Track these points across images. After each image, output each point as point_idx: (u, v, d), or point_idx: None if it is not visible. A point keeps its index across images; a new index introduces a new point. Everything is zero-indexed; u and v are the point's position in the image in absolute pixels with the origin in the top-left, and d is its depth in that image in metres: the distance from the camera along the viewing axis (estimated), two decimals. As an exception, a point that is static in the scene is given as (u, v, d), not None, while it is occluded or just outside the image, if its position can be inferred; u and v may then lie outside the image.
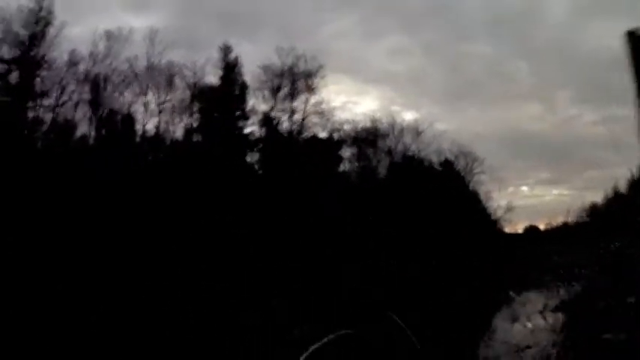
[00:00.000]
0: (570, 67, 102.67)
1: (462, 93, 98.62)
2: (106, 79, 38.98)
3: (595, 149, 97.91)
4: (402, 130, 55.15)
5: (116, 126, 40.39)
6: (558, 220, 73.11)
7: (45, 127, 35.77)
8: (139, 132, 41.28)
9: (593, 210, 62.93)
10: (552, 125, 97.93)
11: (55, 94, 35.87)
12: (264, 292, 22.38)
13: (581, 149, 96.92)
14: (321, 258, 32.16)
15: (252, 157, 46.30)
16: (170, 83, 42.05)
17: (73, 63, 37.09)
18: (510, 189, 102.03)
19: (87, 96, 38.01)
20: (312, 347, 6.42)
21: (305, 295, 21.80)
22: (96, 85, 38.45)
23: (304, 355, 6.32)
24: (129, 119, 40.91)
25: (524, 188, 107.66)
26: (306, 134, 48.13)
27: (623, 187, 57.66)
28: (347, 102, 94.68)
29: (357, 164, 53.09)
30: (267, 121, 46.17)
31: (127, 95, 40.45)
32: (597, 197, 72.62)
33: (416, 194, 47.90)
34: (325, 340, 6.73)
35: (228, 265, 28.03)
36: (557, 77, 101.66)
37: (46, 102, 35.66)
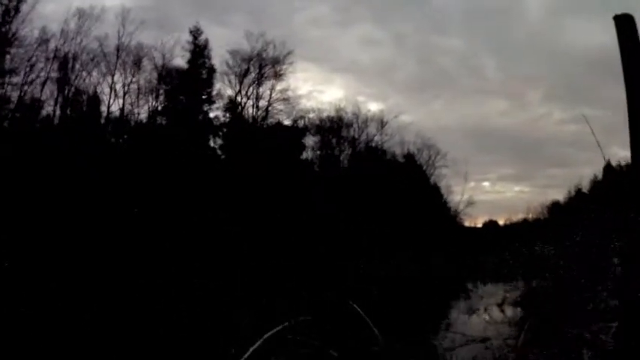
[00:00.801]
0: (543, 65, 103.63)
1: (430, 85, 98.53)
2: (75, 57, 38.80)
3: (560, 147, 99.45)
4: (366, 121, 55.71)
5: (81, 106, 40.33)
6: (518, 216, 73.95)
7: (12, 106, 35.32)
8: (104, 113, 41.21)
9: (555, 207, 63.66)
10: (520, 122, 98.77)
11: (23, 72, 35.48)
12: (258, 290, 21.98)
13: (547, 147, 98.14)
14: (313, 256, 32.04)
15: (215, 142, 46.17)
16: (138, 64, 42.05)
17: (43, 40, 36.78)
18: (472, 183, 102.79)
19: (55, 74, 37.77)
20: (266, 335, 5.78)
21: (298, 292, 21.47)
22: (65, 63, 38.17)
23: (257, 344, 5.65)
24: (94, 99, 40.82)
25: (486, 184, 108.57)
26: (271, 121, 48.44)
27: (585, 186, 58.47)
28: (313, 90, 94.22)
29: (319, 152, 53.11)
30: (233, 106, 46.17)
31: (95, 75, 40.44)
32: (558, 195, 73.60)
33: (378, 186, 47.73)
34: (279, 327, 6.06)
35: (219, 261, 27.72)
36: (529, 75, 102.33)
37: (15, 80, 35.24)
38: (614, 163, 56.90)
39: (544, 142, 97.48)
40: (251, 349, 5.41)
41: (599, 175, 54.30)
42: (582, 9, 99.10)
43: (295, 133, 49.82)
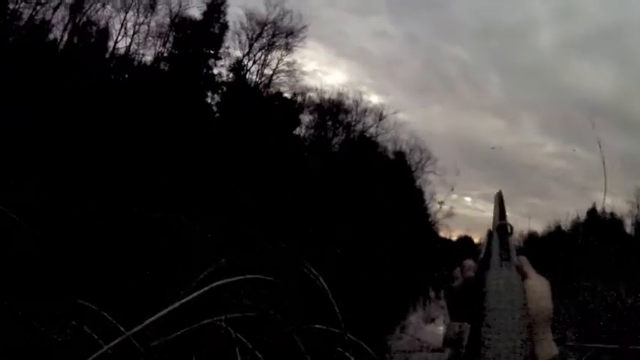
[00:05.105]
0: (544, 95, 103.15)
1: (432, 90, 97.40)
2: (92, -15, 37.96)
3: (546, 179, 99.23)
4: (365, 111, 55.03)
5: (90, 37, 39.71)
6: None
7: (22, 23, 34.41)
8: (110, 48, 40.62)
9: (531, 238, 62.91)
10: (512, 146, 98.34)
11: (38, -10, 34.63)
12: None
13: (533, 176, 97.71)
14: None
15: (213, 99, 45.80)
16: (153, 6, 41.52)
17: (63, -40, 35.86)
18: (454, 196, 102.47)
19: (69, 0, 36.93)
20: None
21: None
22: (81, -10, 37.32)
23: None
24: (104, 33, 40.25)
25: (468, 199, 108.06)
26: (271, 90, 48.07)
27: (566, 225, 57.65)
28: (317, 70, 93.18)
29: (313, 131, 52.63)
30: (238, 67, 45.74)
31: (108, 8, 39.78)
32: (536, 226, 73.26)
33: (365, 176, 47.35)
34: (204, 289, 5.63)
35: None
36: (529, 101, 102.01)
37: (29, -4, 34.41)
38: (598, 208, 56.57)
39: (531, 171, 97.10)
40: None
41: (582, 217, 53.73)
42: (589, 50, 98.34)
43: (294, 106, 49.46)
